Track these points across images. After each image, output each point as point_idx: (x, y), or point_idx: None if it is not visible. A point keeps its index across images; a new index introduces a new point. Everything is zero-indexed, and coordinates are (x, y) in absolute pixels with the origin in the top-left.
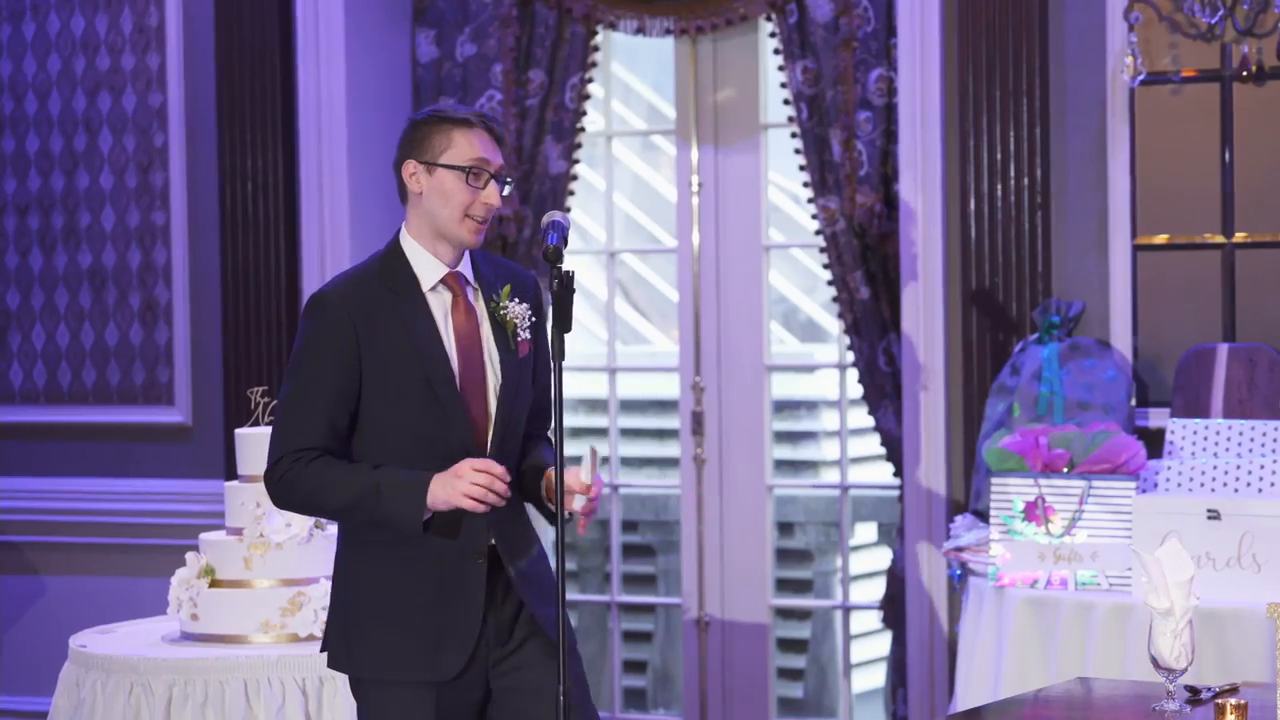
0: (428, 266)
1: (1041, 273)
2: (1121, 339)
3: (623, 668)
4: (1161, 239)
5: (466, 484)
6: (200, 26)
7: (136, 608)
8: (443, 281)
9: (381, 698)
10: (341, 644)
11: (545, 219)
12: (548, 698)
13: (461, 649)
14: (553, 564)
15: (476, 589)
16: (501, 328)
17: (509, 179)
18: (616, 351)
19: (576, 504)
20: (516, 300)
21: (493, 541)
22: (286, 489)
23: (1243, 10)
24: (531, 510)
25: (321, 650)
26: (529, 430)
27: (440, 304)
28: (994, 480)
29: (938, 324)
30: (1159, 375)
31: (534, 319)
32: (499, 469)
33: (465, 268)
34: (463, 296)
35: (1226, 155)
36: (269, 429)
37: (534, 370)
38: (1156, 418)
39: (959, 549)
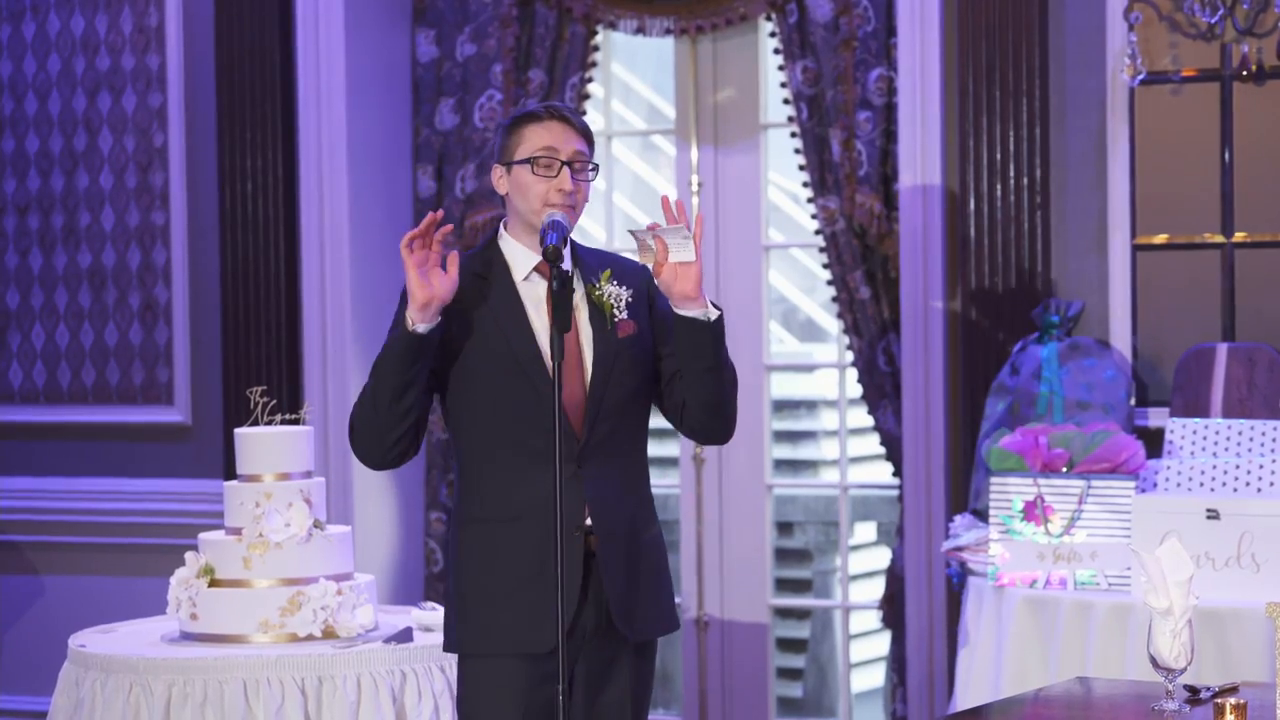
0: (521, 258)
1: (1041, 273)
2: (1121, 339)
3: None
4: (1161, 239)
5: (404, 255)
6: (200, 26)
7: (136, 607)
8: (535, 270)
9: (476, 670)
10: (452, 624)
11: (545, 219)
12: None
13: (557, 623)
14: (556, 565)
15: (574, 564)
16: (600, 310)
17: (593, 164)
18: None
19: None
20: (615, 283)
21: (589, 521)
22: (357, 414)
23: (1243, 10)
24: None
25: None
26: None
27: (533, 292)
28: (993, 480)
29: (937, 324)
30: (1159, 375)
31: (631, 301)
32: (419, 228)
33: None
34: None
35: (1226, 155)
36: (269, 429)
37: (653, 347)
38: (1156, 417)
39: (958, 548)
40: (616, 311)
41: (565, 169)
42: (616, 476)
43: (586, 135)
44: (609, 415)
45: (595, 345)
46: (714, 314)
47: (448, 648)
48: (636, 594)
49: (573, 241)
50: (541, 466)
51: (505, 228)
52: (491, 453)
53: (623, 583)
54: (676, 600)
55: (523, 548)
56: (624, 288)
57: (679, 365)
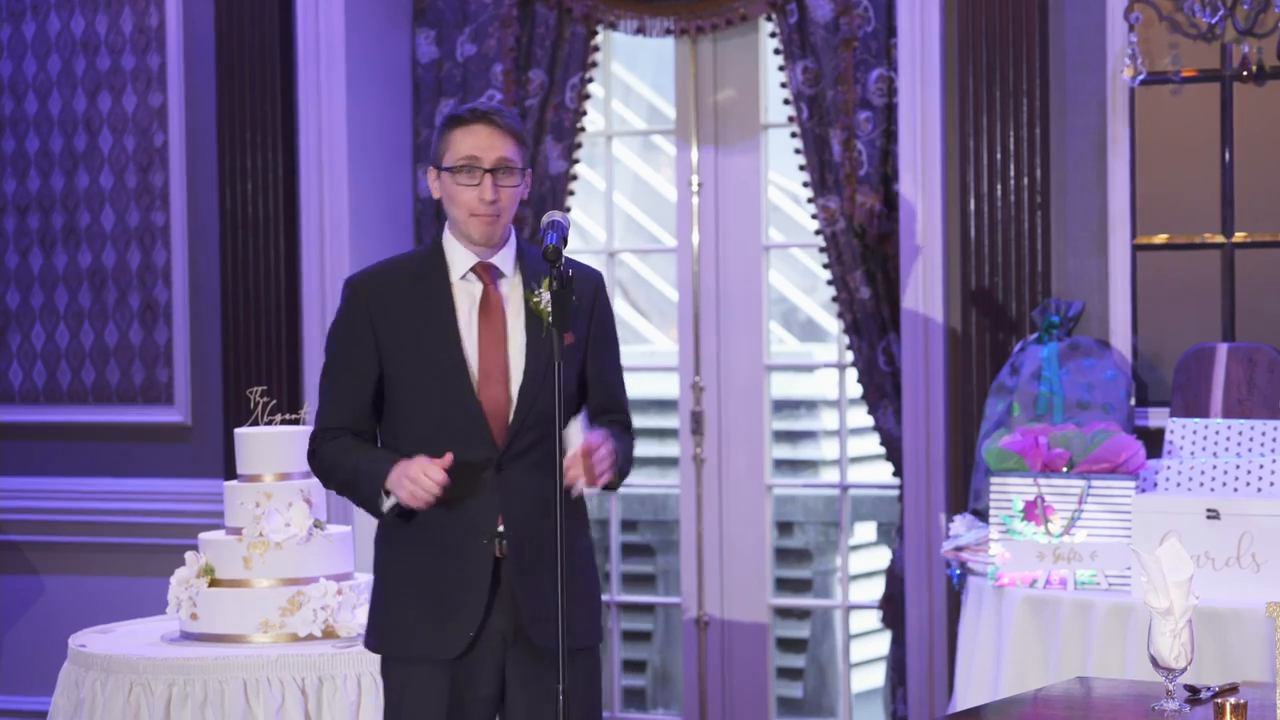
0: (460, 258)
1: (1041, 272)
2: (1121, 339)
3: (622, 667)
4: (1161, 239)
5: (408, 487)
6: (200, 26)
7: (136, 607)
8: (472, 270)
9: (401, 675)
10: (371, 624)
11: (545, 219)
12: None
13: (465, 628)
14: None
15: (482, 570)
16: (535, 318)
17: (520, 169)
18: None
19: (580, 486)
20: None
21: (502, 528)
22: (317, 466)
23: (1243, 10)
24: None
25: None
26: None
27: (468, 293)
28: (993, 480)
29: (937, 324)
30: (1158, 375)
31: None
32: (438, 475)
33: (502, 259)
34: (492, 286)
35: (1226, 155)
36: (269, 429)
37: (587, 364)
38: (1156, 417)
39: (959, 549)
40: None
41: (487, 177)
42: (539, 485)
43: (515, 137)
44: (535, 424)
45: (526, 353)
46: (615, 483)
47: (370, 647)
48: (550, 603)
49: (520, 243)
50: (458, 473)
51: (448, 227)
52: (413, 454)
53: (534, 592)
54: (675, 600)
55: (435, 551)
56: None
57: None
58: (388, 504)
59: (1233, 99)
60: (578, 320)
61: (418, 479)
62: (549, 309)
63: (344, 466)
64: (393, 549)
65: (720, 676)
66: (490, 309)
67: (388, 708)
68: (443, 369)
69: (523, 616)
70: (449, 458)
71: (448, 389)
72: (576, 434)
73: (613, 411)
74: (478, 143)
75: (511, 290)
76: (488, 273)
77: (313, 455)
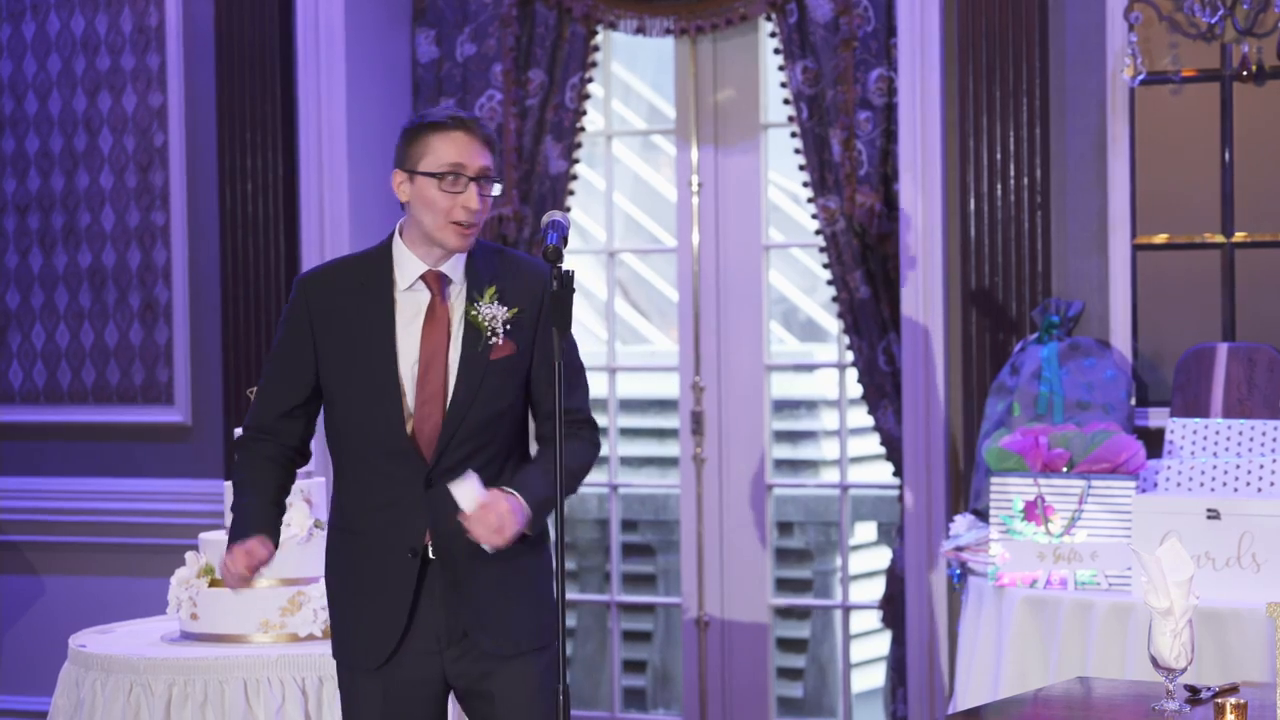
0: (409, 266)
1: (1041, 272)
2: (1121, 339)
3: (622, 667)
4: (1161, 239)
5: (226, 569)
6: (200, 26)
7: (136, 607)
8: (421, 279)
9: (342, 680)
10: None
11: (545, 219)
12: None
13: (385, 640)
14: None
15: (404, 583)
16: (475, 330)
17: (496, 179)
18: (616, 351)
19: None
20: (497, 301)
21: (428, 542)
22: (231, 467)
23: (1243, 10)
24: None
25: None
26: (540, 431)
27: (414, 303)
28: (994, 480)
29: (937, 324)
30: (1159, 375)
31: (511, 321)
32: (242, 562)
33: (451, 267)
34: (439, 297)
35: (1226, 155)
36: None
37: (536, 359)
38: (1156, 417)
39: (959, 549)
40: (491, 335)
41: (473, 185)
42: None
43: (491, 146)
44: (468, 438)
45: (462, 366)
46: (534, 528)
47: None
48: (486, 611)
49: (478, 243)
50: (388, 486)
51: (401, 234)
52: (349, 465)
53: (465, 602)
54: (676, 600)
55: (364, 562)
56: (506, 307)
57: (540, 419)
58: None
59: (1233, 99)
60: (521, 327)
61: (226, 564)
62: (487, 322)
63: (235, 498)
64: (334, 559)
65: (720, 676)
66: (435, 322)
67: (343, 711)
68: (375, 385)
69: (458, 625)
70: (266, 553)
71: (377, 406)
72: (468, 495)
73: (568, 411)
74: (460, 150)
75: (456, 299)
76: (437, 282)
77: (236, 452)
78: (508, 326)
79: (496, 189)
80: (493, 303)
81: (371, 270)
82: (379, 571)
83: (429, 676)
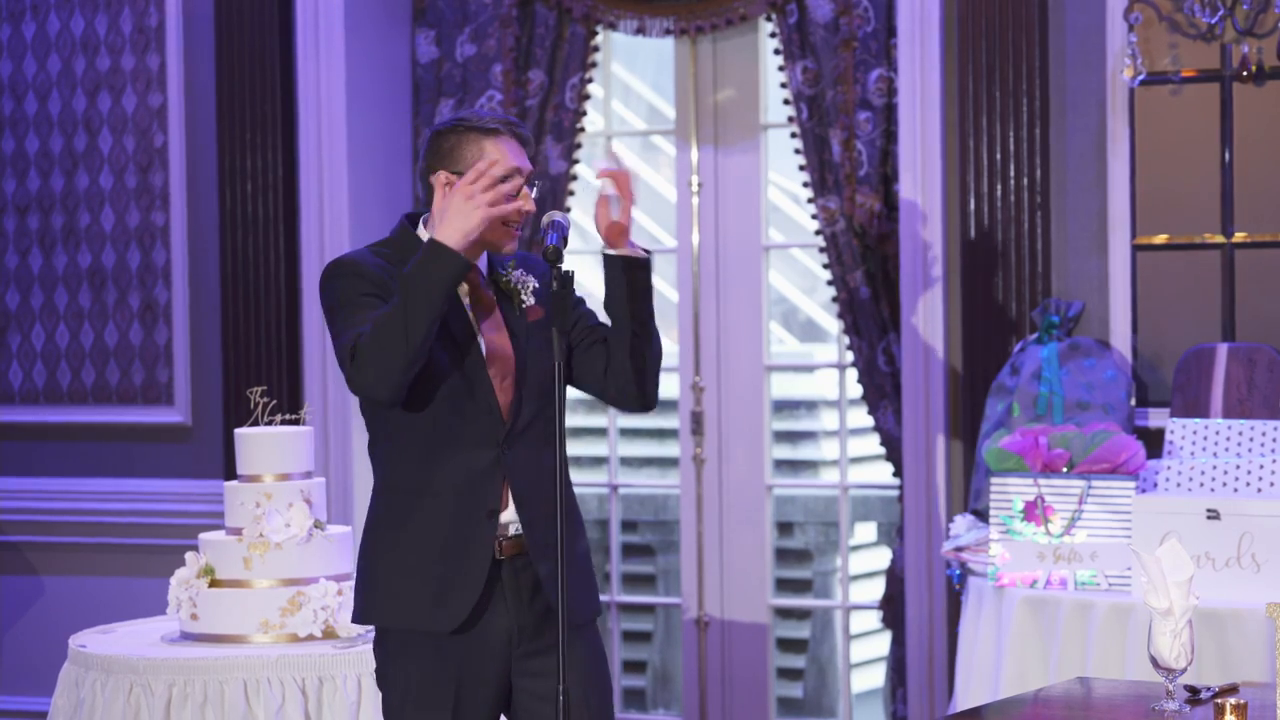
0: None
1: (1041, 273)
2: (1121, 339)
3: (622, 668)
4: (1161, 239)
5: (479, 199)
6: (200, 26)
7: (136, 608)
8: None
9: (396, 648)
10: (362, 595)
11: (545, 219)
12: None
13: (463, 602)
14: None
15: (484, 546)
16: (508, 297)
17: (536, 181)
18: None
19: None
20: (521, 270)
21: (511, 506)
22: (362, 362)
23: (1243, 10)
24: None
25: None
26: (593, 338)
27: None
28: (994, 480)
29: (938, 324)
30: (1159, 375)
31: (537, 288)
32: (484, 168)
33: (482, 263)
34: (481, 290)
35: (1226, 155)
36: (269, 429)
37: (561, 325)
38: (1156, 417)
39: (959, 549)
40: (524, 296)
41: (526, 189)
42: (539, 462)
43: (530, 149)
44: (532, 397)
45: (513, 330)
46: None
47: (359, 618)
48: (556, 575)
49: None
50: (466, 449)
51: (425, 225)
52: (422, 427)
53: (546, 567)
54: (676, 600)
55: (435, 524)
56: (529, 275)
57: (601, 332)
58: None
59: (1233, 99)
60: (543, 294)
61: (463, 188)
62: (519, 287)
63: (389, 308)
64: (391, 520)
65: (720, 676)
66: (481, 298)
67: (379, 675)
68: (455, 345)
69: (531, 588)
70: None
71: (458, 367)
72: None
73: (591, 329)
74: (515, 156)
75: (487, 285)
76: (475, 273)
77: (353, 361)
78: (535, 291)
79: (535, 192)
80: (516, 270)
81: (405, 255)
82: (459, 533)
83: (502, 640)
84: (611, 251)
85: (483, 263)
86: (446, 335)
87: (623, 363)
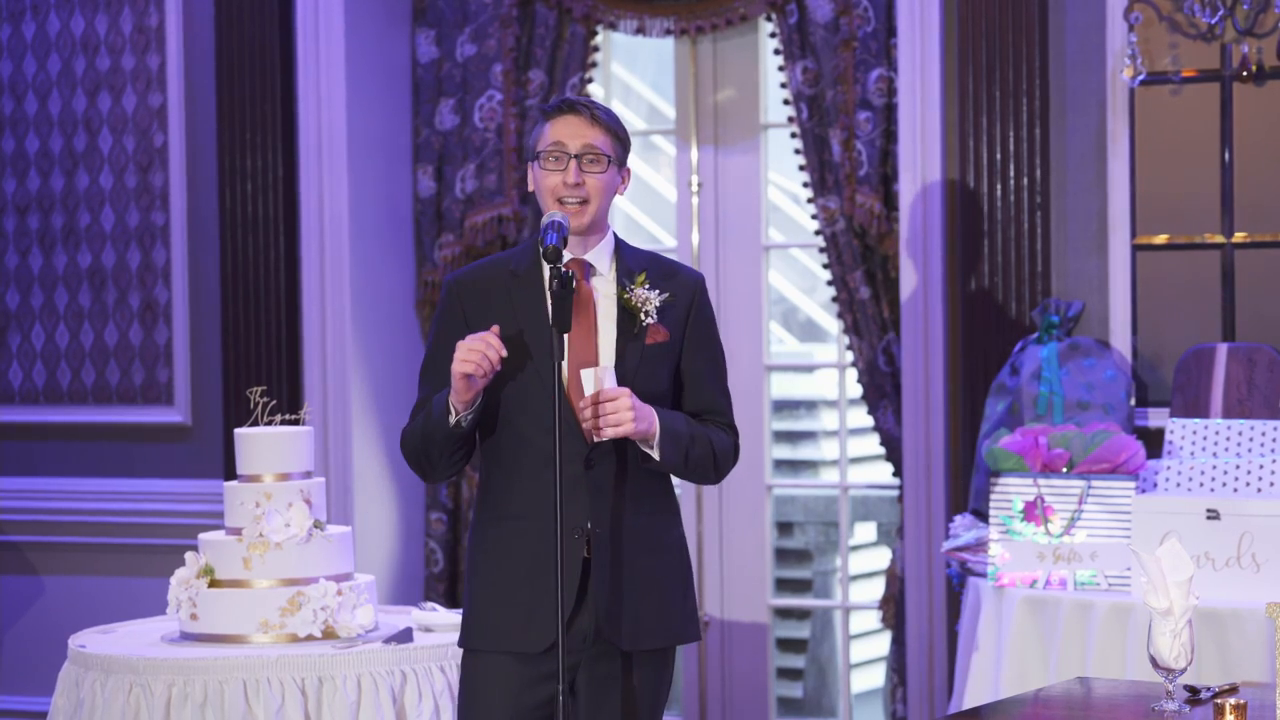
0: None
1: (1041, 273)
2: (1121, 339)
3: None
4: (1161, 239)
5: (457, 360)
6: (200, 26)
7: (136, 608)
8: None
9: (472, 665)
10: (463, 620)
11: (545, 219)
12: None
13: (550, 622)
14: (554, 566)
15: (572, 564)
16: (628, 313)
17: (607, 155)
18: None
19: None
20: (648, 287)
21: (589, 524)
22: (404, 453)
23: (1243, 10)
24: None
25: None
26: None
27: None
28: (993, 480)
29: (938, 324)
30: (1158, 375)
31: (662, 306)
32: (490, 338)
33: (597, 256)
34: (584, 282)
35: (1226, 155)
36: (269, 429)
37: (683, 365)
38: (1156, 417)
39: (959, 549)
40: (645, 316)
41: (573, 162)
42: (628, 481)
43: (603, 126)
44: (577, 424)
45: (617, 348)
46: (655, 454)
47: (460, 643)
48: (628, 601)
49: (619, 241)
50: (550, 467)
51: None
52: (507, 450)
53: (611, 588)
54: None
55: (525, 547)
56: (659, 293)
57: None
58: (454, 416)
59: (1233, 99)
60: (674, 315)
61: (459, 349)
62: (640, 303)
63: (418, 421)
64: (485, 547)
65: (720, 676)
66: (582, 304)
67: (460, 696)
68: (536, 366)
69: (598, 612)
70: (495, 328)
71: (540, 386)
72: (594, 381)
73: (713, 414)
74: (564, 130)
75: (605, 286)
76: (580, 267)
77: (402, 444)
78: (660, 311)
79: (606, 167)
80: (643, 287)
81: (521, 260)
82: (546, 555)
83: (569, 669)
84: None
85: (605, 255)
86: (526, 355)
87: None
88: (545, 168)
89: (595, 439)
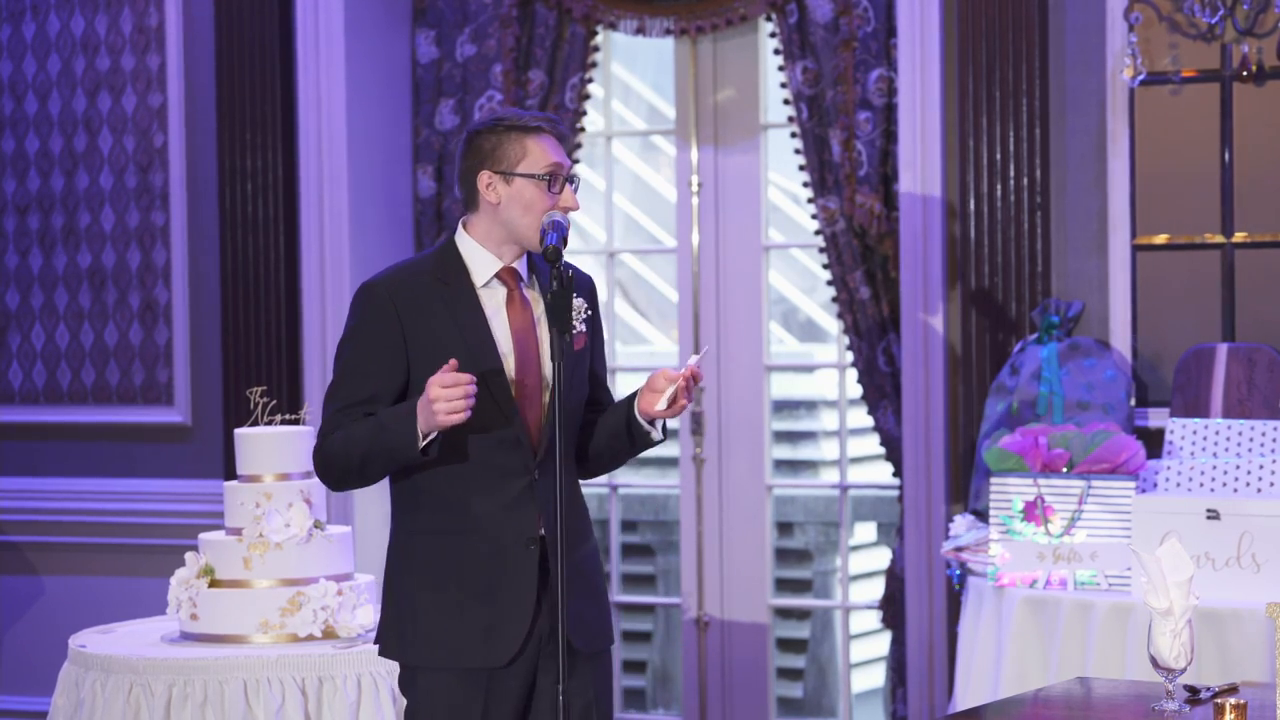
0: (482, 263)
1: (1041, 273)
2: (1121, 339)
3: (622, 668)
4: (1161, 239)
5: (439, 406)
6: (200, 26)
7: (136, 608)
8: (496, 276)
9: (431, 685)
10: (394, 633)
11: (545, 219)
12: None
13: (514, 636)
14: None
15: (528, 576)
16: (557, 318)
17: (575, 178)
18: (616, 351)
19: (661, 404)
20: (575, 295)
21: (542, 532)
22: (323, 461)
23: (1243, 10)
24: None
25: (375, 641)
26: (589, 419)
27: (493, 298)
28: (993, 480)
29: (937, 324)
30: (1158, 375)
31: (589, 312)
32: (465, 377)
33: (521, 265)
34: (517, 291)
35: (1226, 155)
36: (269, 429)
37: (591, 362)
38: (1156, 417)
39: (959, 549)
40: (577, 323)
41: (568, 186)
42: (565, 488)
43: (567, 145)
44: (565, 425)
45: (555, 354)
46: (657, 434)
47: (391, 655)
48: (583, 604)
49: (528, 252)
50: (496, 479)
51: (466, 229)
52: (448, 463)
53: (569, 593)
54: (675, 600)
55: (476, 561)
56: (584, 303)
57: (596, 415)
58: (425, 441)
59: (1233, 99)
60: (591, 320)
61: (441, 396)
62: (576, 315)
63: (359, 435)
64: (422, 556)
65: (720, 676)
66: (518, 311)
67: (413, 715)
68: (482, 376)
69: (564, 618)
70: (454, 363)
71: (484, 397)
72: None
73: (605, 399)
74: (558, 153)
75: (529, 294)
76: (512, 277)
77: (319, 452)
78: (586, 316)
79: (576, 188)
80: (550, 291)
81: (443, 268)
82: (498, 566)
83: (526, 675)
84: (642, 423)
85: (525, 264)
86: (470, 362)
87: (584, 451)
88: (542, 190)
89: (654, 418)
